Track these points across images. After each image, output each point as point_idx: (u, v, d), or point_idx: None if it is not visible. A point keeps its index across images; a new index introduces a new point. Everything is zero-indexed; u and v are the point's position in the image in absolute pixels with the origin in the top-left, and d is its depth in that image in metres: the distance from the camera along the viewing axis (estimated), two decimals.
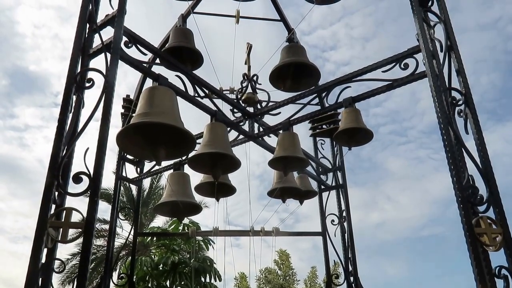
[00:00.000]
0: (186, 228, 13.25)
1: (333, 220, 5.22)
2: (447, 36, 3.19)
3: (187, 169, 4.67)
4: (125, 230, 16.57)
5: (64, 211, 2.48)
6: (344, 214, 5.19)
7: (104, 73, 2.70)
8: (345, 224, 5.12)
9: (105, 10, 3.13)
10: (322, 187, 5.54)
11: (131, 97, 5.09)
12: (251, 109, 4.68)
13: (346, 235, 5.09)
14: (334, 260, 5.38)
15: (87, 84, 2.78)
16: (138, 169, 5.26)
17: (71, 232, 2.48)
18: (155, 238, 16.93)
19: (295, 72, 4.57)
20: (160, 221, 21.11)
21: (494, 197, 2.66)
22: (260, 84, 4.77)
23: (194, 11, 4.81)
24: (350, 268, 4.95)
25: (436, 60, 3.14)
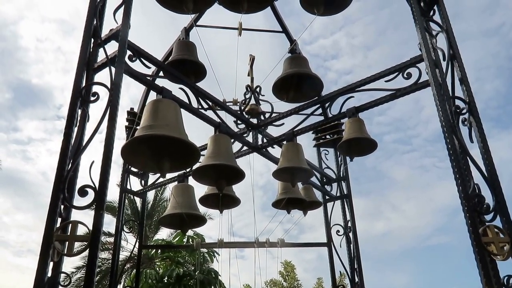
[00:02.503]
0: (190, 240, 13.24)
1: (338, 231, 5.19)
2: (450, 45, 3.20)
3: (191, 180, 4.68)
4: (129, 243, 16.53)
5: (70, 225, 2.48)
6: (349, 224, 5.16)
7: (109, 87, 2.72)
8: (351, 234, 5.09)
9: (109, 24, 3.17)
10: (327, 197, 5.52)
11: (135, 109, 5.12)
12: (254, 121, 4.70)
13: (351, 245, 5.05)
14: (340, 271, 5.33)
15: (92, 98, 2.80)
16: (143, 181, 5.26)
17: (77, 245, 2.49)
18: (159, 251, 16.86)
19: (298, 82, 4.59)
20: (164, 233, 21.04)
21: (500, 206, 2.64)
22: (263, 95, 4.80)
23: (197, 24, 4.85)
24: (357, 279, 4.90)
25: (439, 69, 3.14)
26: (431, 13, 3.45)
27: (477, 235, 2.49)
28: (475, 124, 2.93)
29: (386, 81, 3.83)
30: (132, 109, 5.15)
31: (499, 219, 2.65)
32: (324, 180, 5.59)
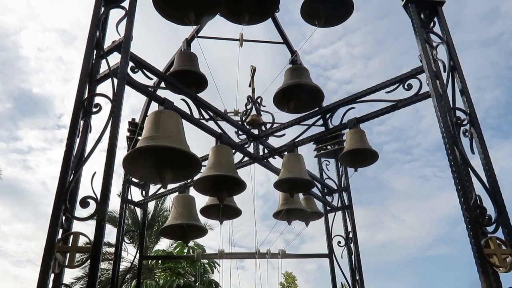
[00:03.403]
0: (191, 250, 13.17)
1: (339, 242, 5.18)
2: (450, 57, 3.22)
3: (192, 191, 4.68)
4: (130, 253, 16.44)
5: (72, 236, 2.48)
6: (350, 235, 5.15)
7: (111, 98, 2.73)
8: (352, 245, 5.07)
9: (112, 35, 3.19)
10: (328, 208, 5.51)
11: (136, 119, 5.13)
12: (255, 131, 4.70)
13: (353, 256, 5.03)
14: (342, 283, 5.31)
15: (94, 109, 2.81)
16: (144, 192, 5.25)
17: (77, 255, 2.48)
18: (160, 261, 16.77)
19: (299, 93, 4.61)
20: (164, 244, 20.97)
21: (502, 217, 2.64)
22: (264, 106, 4.81)
23: (198, 35, 4.88)
24: None
25: (440, 80, 3.16)
26: (431, 24, 3.47)
27: (479, 247, 2.49)
28: (476, 135, 2.93)
29: (386, 92, 3.84)
30: (133, 119, 5.16)
31: (501, 230, 2.65)
32: (325, 190, 5.58)
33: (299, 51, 5.16)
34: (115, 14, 3.22)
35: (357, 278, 4.93)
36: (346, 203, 5.36)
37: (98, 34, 3.07)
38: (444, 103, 3.01)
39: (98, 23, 3.09)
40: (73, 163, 2.61)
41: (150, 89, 3.58)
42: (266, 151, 4.70)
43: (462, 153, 2.83)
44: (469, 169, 2.81)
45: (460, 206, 2.64)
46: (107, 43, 3.20)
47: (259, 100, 4.85)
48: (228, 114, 4.60)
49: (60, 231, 2.51)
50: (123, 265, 16.48)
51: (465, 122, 3.01)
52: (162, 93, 3.76)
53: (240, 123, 4.65)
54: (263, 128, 4.72)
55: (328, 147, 5.62)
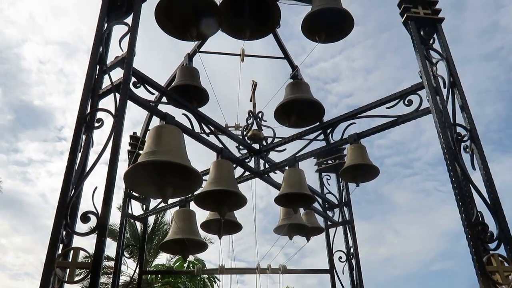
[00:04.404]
0: (191, 265, 13.08)
1: (340, 257, 5.15)
2: (450, 73, 3.24)
3: (193, 205, 4.66)
4: (129, 267, 16.32)
5: (72, 251, 2.47)
6: (351, 250, 5.12)
7: (114, 113, 2.75)
8: (353, 261, 5.04)
9: (114, 48, 3.22)
10: (329, 223, 5.49)
11: (137, 133, 5.16)
12: (256, 146, 4.71)
13: (354, 272, 5.00)
14: None
15: (97, 124, 2.83)
16: (144, 206, 5.24)
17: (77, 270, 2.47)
18: (159, 276, 16.64)
19: (300, 108, 4.63)
20: (164, 258, 20.82)
21: (504, 234, 2.62)
22: (265, 121, 4.82)
23: (200, 50, 4.93)
24: None
25: (440, 96, 3.18)
26: (431, 41, 3.51)
27: (482, 264, 2.47)
28: (477, 151, 2.93)
29: (387, 108, 3.86)
30: (135, 133, 5.18)
31: (503, 247, 2.63)
32: (326, 205, 5.57)
33: (300, 65, 5.20)
34: (118, 29, 3.27)
35: None
36: (347, 218, 5.34)
37: (101, 49, 3.10)
38: (445, 119, 3.02)
39: (102, 39, 3.12)
40: (74, 177, 2.62)
41: (151, 104, 3.60)
42: (267, 165, 4.70)
43: (463, 169, 2.83)
44: (470, 185, 2.81)
45: (462, 223, 2.64)
46: (110, 57, 3.23)
47: (260, 114, 4.87)
48: (229, 129, 4.61)
49: (60, 246, 2.50)
50: (123, 279, 16.37)
51: (465, 138, 3.02)
52: (164, 107, 3.79)
53: (241, 137, 4.66)
54: (264, 143, 4.72)
55: (329, 161, 5.63)
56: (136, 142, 4.96)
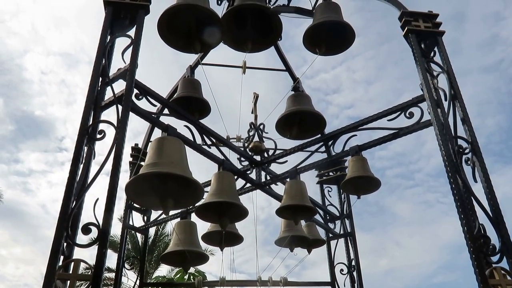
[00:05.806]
0: (191, 277, 12.99)
1: (342, 270, 5.12)
2: (451, 86, 3.25)
3: (194, 216, 4.65)
4: (130, 279, 16.22)
5: (72, 263, 2.46)
6: (353, 263, 5.09)
7: (116, 125, 2.76)
8: (355, 273, 5.01)
9: (117, 60, 3.23)
10: (330, 235, 5.47)
11: (138, 143, 5.17)
12: (258, 158, 4.71)
13: (356, 285, 4.97)
14: None
15: (99, 136, 2.83)
16: (145, 217, 5.23)
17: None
18: None
19: (301, 120, 4.65)
20: (164, 270, 20.70)
21: (507, 247, 2.61)
22: (267, 132, 4.84)
23: (202, 62, 4.96)
24: None
25: (441, 109, 3.18)
26: (432, 54, 3.52)
27: (484, 278, 2.46)
28: (479, 164, 2.93)
29: (388, 120, 3.86)
30: (136, 144, 5.19)
31: (506, 260, 2.62)
32: (328, 217, 5.55)
33: (301, 77, 5.23)
34: (121, 41, 3.29)
35: None
36: (349, 230, 5.32)
37: (104, 62, 3.12)
38: (446, 132, 3.02)
39: (104, 51, 3.14)
40: (76, 189, 2.62)
41: (153, 115, 3.61)
42: (268, 177, 4.70)
43: (464, 182, 2.83)
44: (472, 197, 2.81)
45: (464, 236, 2.62)
46: (113, 69, 3.25)
47: (261, 126, 4.88)
48: (231, 140, 4.62)
49: (61, 257, 2.49)
50: None
51: (467, 151, 3.02)
52: (166, 119, 3.80)
53: (242, 149, 4.67)
54: (266, 155, 4.73)
55: (330, 173, 5.63)
56: (138, 153, 4.97)
